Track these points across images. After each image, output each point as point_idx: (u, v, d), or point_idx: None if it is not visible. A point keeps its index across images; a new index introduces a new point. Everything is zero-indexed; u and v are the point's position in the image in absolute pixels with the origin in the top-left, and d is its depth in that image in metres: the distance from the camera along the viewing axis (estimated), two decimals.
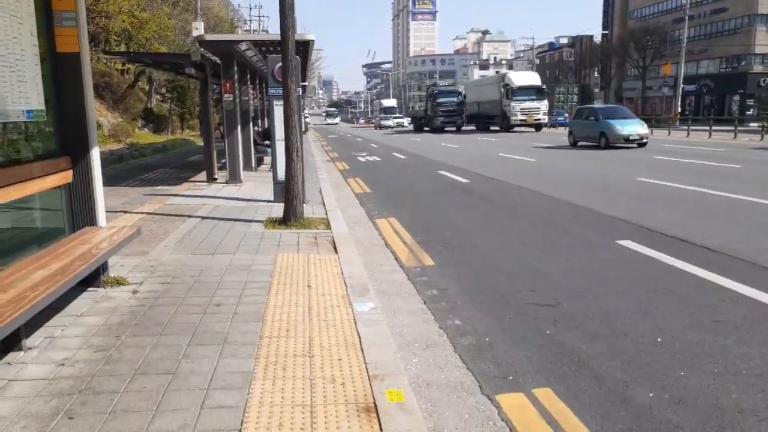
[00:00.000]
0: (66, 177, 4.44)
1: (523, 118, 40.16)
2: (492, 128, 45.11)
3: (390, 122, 66.39)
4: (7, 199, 3.65)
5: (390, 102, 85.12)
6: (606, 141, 21.63)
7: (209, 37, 11.56)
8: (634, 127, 21.78)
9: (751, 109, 47.83)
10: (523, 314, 4.52)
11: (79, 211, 4.62)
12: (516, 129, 41.84)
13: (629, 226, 7.53)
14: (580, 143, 23.72)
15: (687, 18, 46.63)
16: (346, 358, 3.39)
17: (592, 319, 4.34)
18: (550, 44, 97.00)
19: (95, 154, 4.59)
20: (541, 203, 9.72)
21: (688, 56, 49.56)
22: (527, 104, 40.12)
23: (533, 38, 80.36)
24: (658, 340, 3.91)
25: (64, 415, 2.73)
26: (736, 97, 54.47)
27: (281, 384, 3.05)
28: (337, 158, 22.26)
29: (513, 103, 40.18)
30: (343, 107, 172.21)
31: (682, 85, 45.82)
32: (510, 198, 10.49)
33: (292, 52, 7.40)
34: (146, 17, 21.45)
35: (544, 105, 40.76)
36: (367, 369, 3.23)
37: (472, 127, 49.30)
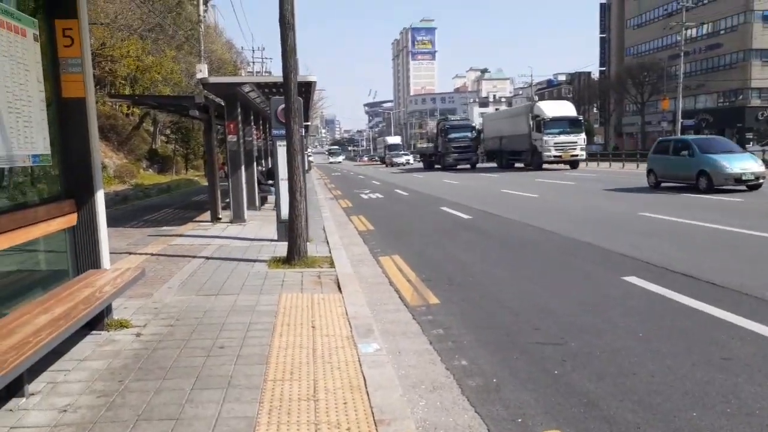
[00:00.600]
0: (70, 220, 4.47)
1: (558, 154, 34.53)
2: (516, 165, 40.60)
3: (402, 159, 65.05)
4: (12, 243, 3.66)
5: (394, 139, 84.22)
6: (709, 182, 16.39)
7: (213, 79, 11.76)
8: (745, 163, 16.53)
9: (751, 143, 48.15)
10: (529, 353, 4.46)
11: (83, 253, 4.62)
12: (548, 166, 36.76)
13: (644, 264, 7.50)
14: (664, 184, 18.70)
15: (683, 54, 47.39)
16: (352, 401, 3.34)
17: (599, 358, 4.28)
18: (549, 81, 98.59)
19: (100, 197, 4.62)
20: (548, 239, 9.71)
21: (685, 91, 50.19)
22: (562, 138, 34.34)
23: (532, 75, 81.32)
24: (668, 379, 3.85)
25: None
26: (735, 131, 54.92)
27: (285, 429, 3.00)
28: (340, 196, 22.37)
29: (545, 137, 34.34)
30: (345, 145, 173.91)
31: (680, 120, 46.23)
32: (518, 235, 10.48)
33: (294, 94, 7.52)
34: (151, 61, 21.92)
35: (581, 139, 34.87)
36: (372, 413, 3.17)
37: (491, 165, 45.21)
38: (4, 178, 3.98)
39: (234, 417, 3.14)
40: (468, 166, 43.60)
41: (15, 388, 3.26)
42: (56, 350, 3.61)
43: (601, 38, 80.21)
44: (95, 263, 4.63)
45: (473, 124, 46.67)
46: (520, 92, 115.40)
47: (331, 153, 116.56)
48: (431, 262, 8.11)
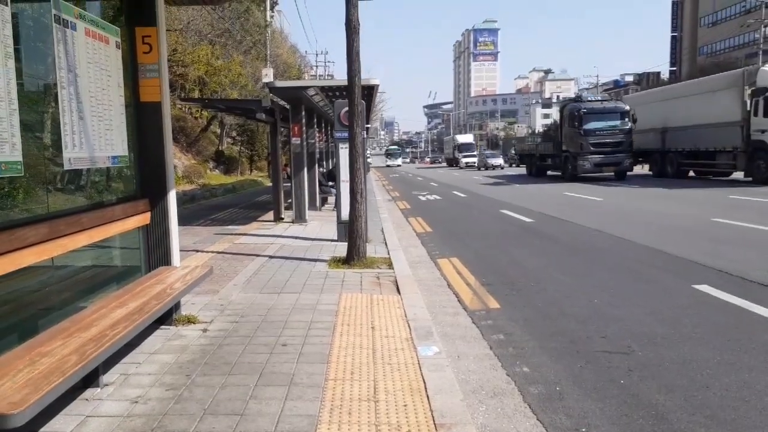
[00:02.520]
0: (144, 219, 4.67)
1: None
2: (714, 176, 25.30)
3: (496, 161, 53.06)
4: (91, 240, 3.87)
5: (466, 137, 73.11)
6: None
7: (279, 83, 12.05)
8: None
9: None
10: (595, 362, 4.33)
11: (154, 250, 4.83)
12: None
13: (711, 270, 7.15)
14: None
15: (761, 53, 44.85)
16: (412, 404, 3.33)
17: (669, 369, 4.11)
18: (615, 81, 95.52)
19: (172, 197, 4.81)
20: (621, 247, 9.41)
21: None
22: None
23: (597, 76, 78.97)
24: (744, 394, 3.65)
25: None
26: None
27: (346, 429, 3.03)
28: (398, 197, 22.43)
29: None
30: (404, 147, 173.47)
31: None
32: (582, 240, 10.20)
33: (358, 97, 7.60)
34: (220, 65, 22.68)
35: None
36: (433, 417, 3.16)
37: (643, 171, 30.24)
38: (86, 177, 4.20)
39: (296, 415, 3.20)
40: (612, 174, 27.42)
41: (91, 379, 3.44)
42: (129, 343, 3.78)
43: (673, 37, 77.14)
44: (166, 260, 4.83)
45: (626, 108, 27.48)
46: (586, 93, 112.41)
47: (389, 154, 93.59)
48: (491, 266, 8.01)
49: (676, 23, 76.31)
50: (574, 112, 27.28)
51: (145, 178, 4.76)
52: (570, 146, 27.80)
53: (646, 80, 77.63)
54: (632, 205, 15.41)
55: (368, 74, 29.41)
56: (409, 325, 4.89)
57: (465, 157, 59.38)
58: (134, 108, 4.71)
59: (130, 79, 4.69)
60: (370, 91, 12.67)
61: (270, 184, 29.34)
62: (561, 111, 29.65)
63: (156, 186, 4.76)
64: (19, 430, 2.26)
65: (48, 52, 3.69)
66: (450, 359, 4.33)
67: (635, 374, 4.05)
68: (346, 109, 9.19)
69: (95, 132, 4.10)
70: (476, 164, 57.78)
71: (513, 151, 56.14)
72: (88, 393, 3.47)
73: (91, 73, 4.10)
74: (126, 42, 4.67)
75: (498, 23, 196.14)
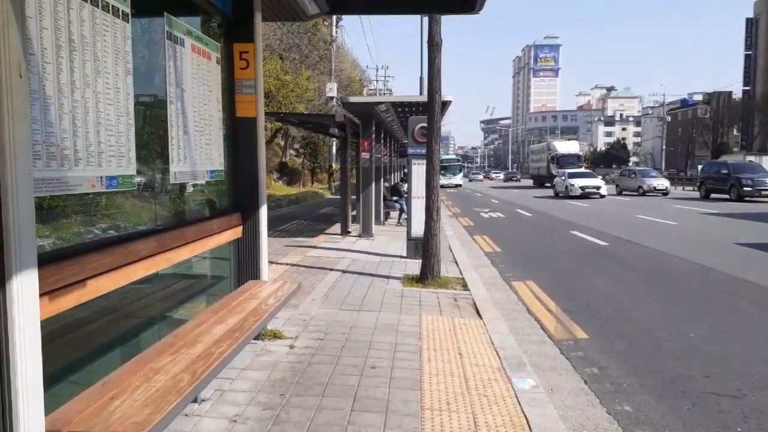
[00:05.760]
0: (237, 232, 4.70)
1: None
2: None
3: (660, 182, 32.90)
4: (194, 253, 3.90)
5: (569, 146, 47.71)
6: None
7: (353, 99, 12.13)
8: None
9: None
10: (703, 405, 4.04)
11: (244, 264, 4.85)
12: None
13: None
14: None
15: None
16: None
17: None
18: (683, 101, 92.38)
19: (263, 211, 4.83)
20: (704, 275, 8.93)
21: None
22: None
23: (664, 95, 76.34)
24: None
25: None
26: None
27: None
28: (459, 213, 22.15)
29: None
30: (462, 161, 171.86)
31: None
32: (665, 268, 9.74)
33: (438, 114, 7.52)
34: (289, 79, 23.12)
35: None
36: None
37: None
38: (186, 192, 4.25)
39: None
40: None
41: None
42: None
43: (746, 55, 73.81)
44: (255, 274, 4.84)
45: None
46: (650, 111, 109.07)
47: (444, 168, 55.89)
48: (570, 291, 7.71)
49: (750, 41, 73.07)
50: None
51: (238, 193, 4.79)
52: None
53: (717, 100, 74.58)
54: (710, 230, 14.68)
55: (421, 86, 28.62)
56: (498, 354, 4.71)
57: (574, 177, 31.81)
58: (230, 123, 4.76)
59: (226, 95, 4.75)
60: (442, 107, 12.57)
61: (330, 196, 29.76)
62: None
63: (248, 200, 4.78)
64: None
65: (158, 68, 3.76)
66: (545, 393, 4.13)
67: (752, 422, 3.75)
68: (422, 125, 9.15)
69: (197, 146, 4.15)
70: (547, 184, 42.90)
71: None
72: (187, 408, 3.46)
73: (195, 88, 4.16)
74: (224, 58, 4.74)
75: (560, 39, 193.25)
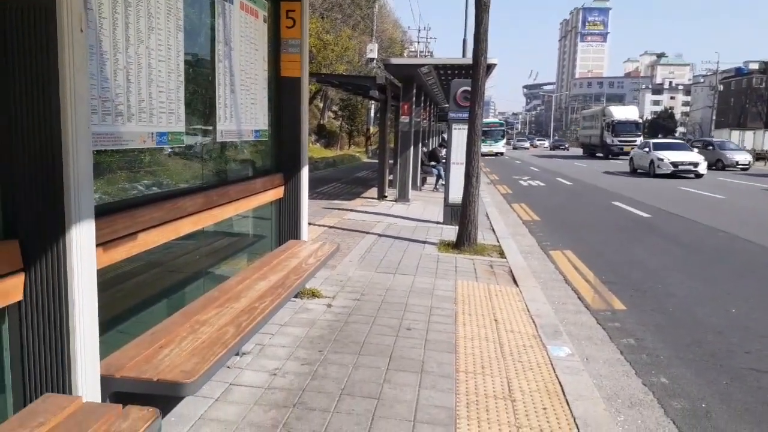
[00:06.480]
0: (279, 192, 4.77)
1: None
2: None
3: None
4: (238, 212, 3.98)
5: (627, 112, 42.96)
6: None
7: (395, 60, 12.00)
8: None
9: None
10: (741, 380, 3.99)
11: (285, 224, 4.93)
12: None
13: None
14: None
15: None
16: (551, 408, 3.19)
17: None
18: (737, 69, 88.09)
19: (305, 172, 4.88)
20: (750, 251, 8.69)
21: None
22: None
23: (718, 62, 72.89)
24: None
25: (283, 428, 2.85)
26: None
27: (486, 427, 2.94)
28: (497, 181, 21.92)
29: None
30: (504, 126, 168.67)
31: None
32: (708, 242, 9.50)
33: (482, 77, 7.38)
34: (330, 39, 22.95)
35: None
36: (576, 425, 3.01)
37: None
38: (231, 150, 4.32)
39: (433, 405, 3.15)
40: None
41: None
42: None
43: None
44: (296, 234, 4.92)
45: None
46: (702, 80, 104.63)
47: (485, 134, 48.08)
48: (610, 262, 7.61)
49: None
50: None
51: (281, 153, 4.84)
52: None
53: None
54: (760, 205, 14.20)
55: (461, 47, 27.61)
56: (534, 321, 4.72)
57: (662, 149, 24.68)
58: (275, 83, 4.78)
59: (272, 54, 4.76)
60: (486, 70, 12.32)
61: (366, 159, 29.73)
62: None
63: (291, 161, 4.83)
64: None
65: (206, 26, 3.78)
66: (580, 362, 4.13)
67: None
68: (464, 88, 9.00)
69: (243, 105, 4.19)
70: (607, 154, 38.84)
71: None
72: (229, 361, 3.59)
73: (243, 47, 4.18)
74: (270, 17, 4.72)
75: (609, 2, 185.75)
